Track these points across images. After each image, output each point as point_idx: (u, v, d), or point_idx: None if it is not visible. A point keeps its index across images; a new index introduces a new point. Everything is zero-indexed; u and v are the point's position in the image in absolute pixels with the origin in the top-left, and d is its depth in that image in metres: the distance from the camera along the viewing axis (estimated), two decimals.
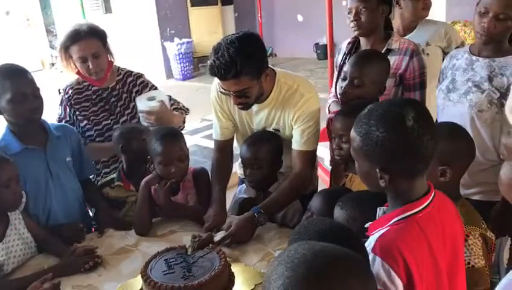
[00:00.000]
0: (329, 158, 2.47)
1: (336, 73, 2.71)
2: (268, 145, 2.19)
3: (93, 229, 2.36)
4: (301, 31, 10.72)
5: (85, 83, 2.60)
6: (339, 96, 2.19)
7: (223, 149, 2.36)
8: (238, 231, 1.97)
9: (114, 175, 2.42)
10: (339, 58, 2.67)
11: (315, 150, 2.24)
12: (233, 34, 1.95)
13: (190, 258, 1.72)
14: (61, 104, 2.60)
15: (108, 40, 2.59)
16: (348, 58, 2.55)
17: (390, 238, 1.18)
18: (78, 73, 2.56)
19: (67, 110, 2.58)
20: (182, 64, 9.98)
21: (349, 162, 1.97)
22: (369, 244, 1.20)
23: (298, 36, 10.78)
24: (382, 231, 1.21)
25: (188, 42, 10.03)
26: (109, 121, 2.59)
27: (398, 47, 2.40)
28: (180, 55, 9.92)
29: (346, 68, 2.17)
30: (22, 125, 2.11)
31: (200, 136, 6.32)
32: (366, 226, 1.30)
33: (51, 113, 2.53)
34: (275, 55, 11.46)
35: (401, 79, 2.36)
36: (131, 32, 10.03)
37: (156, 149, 2.16)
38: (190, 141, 6.11)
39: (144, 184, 2.20)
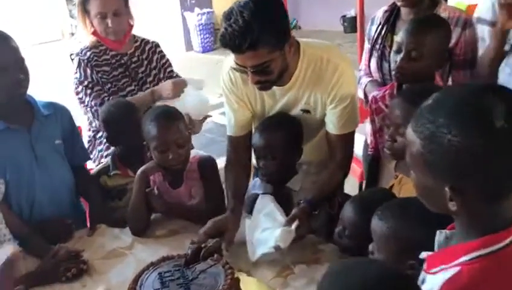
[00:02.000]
0: (370, 147, 2.09)
1: (367, 46, 2.32)
2: (285, 131, 1.83)
3: (88, 224, 2.04)
4: (328, 2, 10.23)
5: (102, 47, 2.33)
6: (392, 72, 1.83)
7: (240, 146, 1.95)
8: (302, 217, 1.62)
9: (109, 161, 2.10)
10: (372, 29, 2.28)
11: (355, 130, 1.88)
12: None
13: (189, 273, 1.41)
14: (79, 66, 2.30)
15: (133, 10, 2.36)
16: (385, 28, 2.17)
17: (464, 285, 0.83)
18: (94, 33, 2.29)
19: (88, 71, 2.28)
20: (202, 36, 9.58)
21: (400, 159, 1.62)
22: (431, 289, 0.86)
23: (324, 7, 10.29)
24: (451, 272, 0.86)
25: (208, 12, 9.61)
26: (133, 88, 2.34)
27: (448, 16, 2.01)
28: (201, 26, 9.52)
29: (400, 38, 1.80)
30: (3, 102, 1.80)
31: (218, 112, 5.94)
32: (421, 256, 0.95)
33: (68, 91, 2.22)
34: (299, 27, 11.00)
35: (450, 54, 1.98)
36: (149, 0, 9.67)
37: (150, 132, 1.83)
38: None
39: (140, 174, 1.88)
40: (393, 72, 1.82)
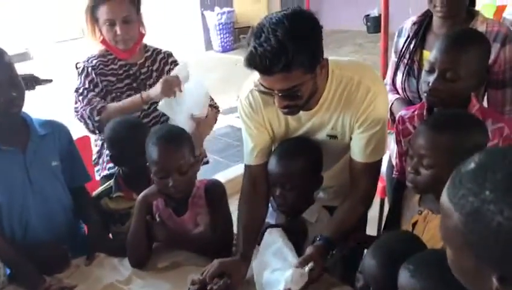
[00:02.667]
0: (395, 170, 1.89)
1: (393, 59, 2.13)
2: (306, 158, 1.65)
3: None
4: (351, 1, 9.99)
5: (110, 56, 2.19)
6: (423, 95, 1.62)
7: (258, 177, 1.74)
8: (317, 259, 1.44)
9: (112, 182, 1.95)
10: (399, 41, 2.08)
11: (382, 159, 1.70)
12: (280, 12, 1.43)
13: None
14: (81, 73, 2.17)
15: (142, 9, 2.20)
16: (414, 42, 1.97)
17: None
18: (103, 42, 2.16)
19: (89, 78, 2.14)
20: (221, 36, 9.43)
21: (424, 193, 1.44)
22: None
23: (347, 6, 10.06)
24: None
25: (229, 12, 9.46)
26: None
27: (485, 30, 1.81)
28: (220, 26, 9.37)
29: (432, 56, 1.57)
30: None
31: (235, 115, 5.79)
32: None
33: None
34: (321, 26, 10.80)
35: (487, 72, 1.77)
36: None
37: (151, 156, 1.68)
38: (224, 121, 5.63)
39: (140, 200, 1.72)
40: (424, 94, 1.60)
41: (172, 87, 2.05)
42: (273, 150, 1.76)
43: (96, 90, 2.14)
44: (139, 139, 1.79)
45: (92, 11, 2.12)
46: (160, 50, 2.31)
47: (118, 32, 2.08)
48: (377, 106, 1.58)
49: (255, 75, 1.62)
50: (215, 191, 1.79)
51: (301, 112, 1.60)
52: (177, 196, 1.70)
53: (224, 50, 9.57)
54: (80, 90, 2.14)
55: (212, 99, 2.30)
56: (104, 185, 1.97)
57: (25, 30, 9.35)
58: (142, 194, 1.73)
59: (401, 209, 1.72)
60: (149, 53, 2.27)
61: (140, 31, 2.21)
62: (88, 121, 2.09)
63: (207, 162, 2.46)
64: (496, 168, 0.67)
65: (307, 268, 1.40)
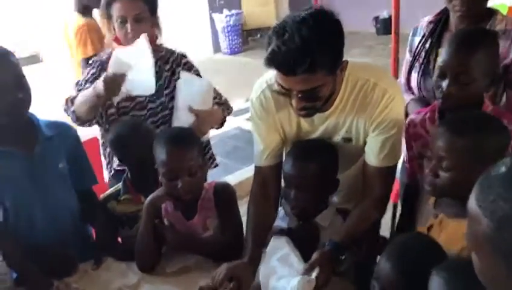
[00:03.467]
0: (406, 174, 1.86)
1: (407, 58, 2.09)
2: (323, 159, 1.60)
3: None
4: (360, 3, 9.93)
5: None
6: (438, 100, 1.58)
7: (268, 179, 1.71)
8: (323, 264, 1.40)
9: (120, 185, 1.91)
10: (414, 40, 2.04)
11: (397, 165, 1.65)
12: (303, 11, 1.38)
13: None
14: (89, 66, 2.14)
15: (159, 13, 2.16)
16: (429, 41, 1.93)
17: None
18: (115, 39, 2.11)
19: (95, 70, 2.11)
20: (230, 38, 9.41)
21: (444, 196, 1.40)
22: None
23: (357, 8, 9.99)
24: None
25: (237, 14, 9.44)
26: (143, 98, 2.12)
27: (505, 28, 1.77)
28: (229, 28, 9.35)
29: (441, 61, 1.53)
30: (1, 123, 1.64)
31: (244, 117, 5.76)
32: None
33: None
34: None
35: (505, 71, 1.73)
36: (177, 1, 9.55)
37: (159, 157, 1.65)
38: (232, 123, 5.59)
39: (148, 203, 1.68)
40: (439, 100, 1.55)
41: (116, 84, 1.93)
42: (284, 151, 1.72)
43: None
44: (142, 141, 1.78)
45: (107, 7, 2.09)
46: (174, 51, 2.26)
47: (129, 30, 2.04)
48: (393, 109, 1.54)
49: (267, 75, 1.59)
50: (225, 193, 1.75)
51: (315, 115, 1.56)
52: (186, 197, 1.66)
53: (232, 52, 9.55)
54: (79, 82, 2.12)
55: (220, 97, 2.26)
56: (112, 189, 1.94)
57: (36, 33, 9.38)
58: (150, 197, 1.69)
59: (415, 214, 1.68)
60: (163, 53, 2.21)
61: (155, 33, 2.15)
62: (67, 113, 2.08)
63: (216, 165, 2.43)
64: None
65: (313, 274, 1.37)
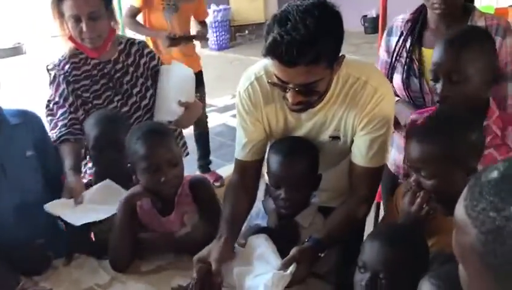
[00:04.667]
0: (403, 172, 1.85)
1: (385, 59, 2.01)
2: (309, 157, 1.58)
3: None
4: (349, 2, 9.94)
5: (82, 55, 2.02)
6: (436, 105, 1.53)
7: (248, 172, 1.67)
8: (301, 260, 1.35)
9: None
10: (391, 40, 1.97)
11: (383, 167, 1.62)
12: (304, 1, 1.33)
13: None
14: (52, 83, 2.01)
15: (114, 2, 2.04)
16: (409, 40, 1.88)
17: None
18: (70, 38, 1.97)
19: (63, 86, 1.99)
20: (217, 33, 9.34)
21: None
22: None
23: (345, 7, 9.96)
24: None
25: (225, 9, 9.37)
26: (115, 104, 2.03)
27: (485, 24, 1.74)
28: (216, 23, 9.27)
29: (432, 64, 1.48)
30: None
31: (230, 114, 5.71)
32: None
33: None
34: None
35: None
36: None
37: (137, 152, 1.59)
38: (219, 119, 5.55)
39: (124, 201, 1.62)
40: (437, 105, 1.51)
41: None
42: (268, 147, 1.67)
43: (67, 104, 1.98)
44: (120, 133, 1.72)
45: (58, 4, 1.93)
46: (134, 40, 2.14)
47: (84, 29, 1.90)
48: (382, 108, 1.50)
49: (255, 67, 1.56)
50: (201, 186, 1.70)
51: None
52: (169, 191, 1.62)
53: (220, 48, 9.48)
54: (50, 106, 2.00)
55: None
56: (87, 179, 1.89)
57: (19, 24, 9.23)
58: (126, 194, 1.63)
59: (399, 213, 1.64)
60: (122, 46, 2.09)
61: (112, 27, 2.03)
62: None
63: (187, 154, 2.41)
64: None
65: (288, 270, 1.31)
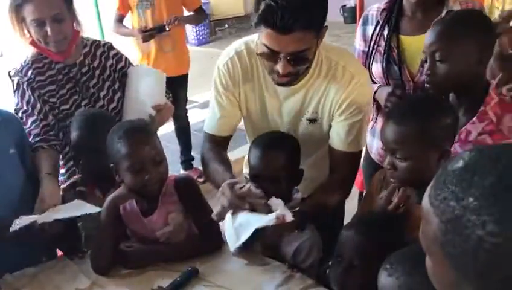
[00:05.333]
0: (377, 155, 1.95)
1: (362, 49, 2.00)
2: (288, 152, 1.57)
3: None
4: None
5: (45, 60, 1.95)
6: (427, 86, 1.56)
7: (221, 147, 1.71)
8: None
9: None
10: (367, 29, 1.97)
11: (361, 152, 1.68)
12: None
13: None
14: (17, 90, 1.95)
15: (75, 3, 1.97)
16: (387, 28, 1.88)
17: None
18: (32, 43, 1.91)
19: (26, 96, 1.93)
20: (197, 28, 9.26)
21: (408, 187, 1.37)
22: None
23: None
24: None
25: (204, 4, 9.23)
26: (83, 108, 1.98)
27: (460, 8, 1.75)
28: None
29: (423, 44, 1.51)
30: None
31: None
32: None
33: None
34: None
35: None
36: None
37: (120, 151, 1.55)
38: (200, 115, 5.49)
39: (108, 204, 1.60)
40: (427, 85, 1.54)
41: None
42: (247, 132, 1.73)
43: (36, 111, 1.93)
44: (102, 135, 1.67)
45: (17, 10, 1.86)
46: (99, 42, 2.09)
47: (49, 32, 1.85)
48: (360, 94, 1.54)
49: (236, 44, 1.59)
50: (187, 186, 1.67)
51: (281, 90, 1.55)
52: (153, 189, 1.59)
53: (200, 43, 9.41)
54: (19, 115, 1.94)
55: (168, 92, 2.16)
56: (74, 178, 1.87)
57: None
58: (110, 197, 1.61)
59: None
60: (87, 48, 2.03)
61: (75, 28, 1.97)
62: None
63: None
64: (485, 172, 0.56)
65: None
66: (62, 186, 1.87)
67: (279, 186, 1.54)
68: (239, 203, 1.38)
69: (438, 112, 1.32)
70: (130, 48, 3.64)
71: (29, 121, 1.92)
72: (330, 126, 1.61)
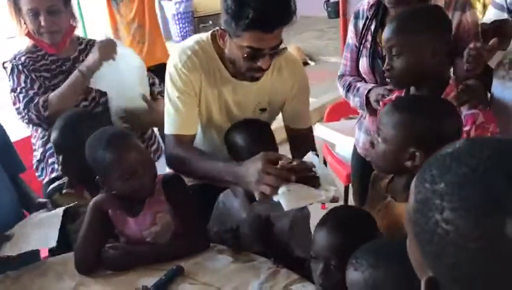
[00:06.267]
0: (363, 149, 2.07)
1: (354, 42, 2.00)
2: (267, 131, 1.69)
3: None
4: None
5: (39, 52, 2.00)
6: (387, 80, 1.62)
7: (191, 143, 1.69)
8: None
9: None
10: (358, 24, 1.97)
11: None
12: None
13: None
14: (12, 73, 1.97)
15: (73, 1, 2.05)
16: (374, 23, 1.89)
17: None
18: (28, 34, 1.96)
19: (22, 77, 1.95)
20: (180, 25, 9.23)
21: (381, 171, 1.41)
22: None
23: None
24: None
25: (187, 0, 9.25)
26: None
27: (445, 1, 1.76)
28: (179, 15, 9.16)
29: (383, 39, 1.56)
30: None
31: None
32: None
33: None
34: None
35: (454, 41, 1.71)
36: None
37: (105, 159, 1.51)
38: None
39: (93, 206, 1.57)
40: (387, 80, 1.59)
41: (110, 50, 1.94)
42: (203, 130, 1.76)
43: (35, 86, 1.95)
44: (92, 129, 1.65)
45: (15, 0, 1.93)
46: (95, 41, 2.10)
47: (42, 23, 1.90)
48: (305, 77, 1.76)
49: (189, 43, 1.64)
50: (174, 184, 1.65)
51: (236, 82, 1.64)
52: (146, 192, 1.57)
53: (184, 40, 9.38)
54: (18, 90, 1.95)
55: (160, 85, 2.16)
56: (60, 181, 1.85)
57: None
58: (95, 200, 1.58)
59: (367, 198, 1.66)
60: (82, 46, 2.09)
61: (71, 24, 2.04)
62: (37, 121, 1.93)
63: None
64: (463, 160, 0.57)
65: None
66: (49, 189, 1.85)
67: None
68: (287, 176, 1.30)
69: (434, 115, 1.30)
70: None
71: (30, 93, 1.92)
72: (275, 114, 1.78)
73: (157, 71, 2.90)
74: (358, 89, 1.94)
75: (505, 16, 1.88)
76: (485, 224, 0.52)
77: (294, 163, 1.32)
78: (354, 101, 1.96)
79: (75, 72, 1.92)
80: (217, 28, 1.55)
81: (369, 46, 1.90)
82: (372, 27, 1.90)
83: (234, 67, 1.58)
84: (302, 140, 1.78)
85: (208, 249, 1.60)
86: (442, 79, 1.55)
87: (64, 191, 1.78)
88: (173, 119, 1.67)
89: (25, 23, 1.95)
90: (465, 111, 1.47)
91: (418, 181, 0.61)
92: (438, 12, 1.57)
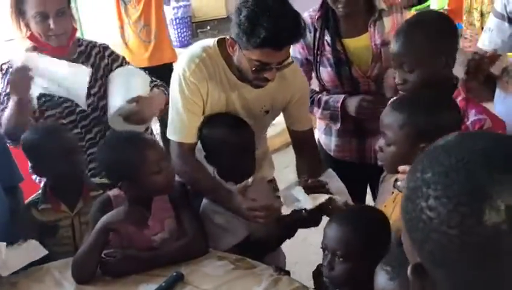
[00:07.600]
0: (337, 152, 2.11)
1: (304, 56, 2.00)
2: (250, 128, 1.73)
3: None
4: None
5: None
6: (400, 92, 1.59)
7: (191, 153, 1.72)
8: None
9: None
10: (307, 36, 1.92)
11: None
12: None
13: None
14: (4, 76, 1.94)
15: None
16: (327, 34, 1.90)
17: None
18: (30, 37, 1.90)
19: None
20: (178, 30, 9.19)
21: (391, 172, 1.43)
22: None
23: None
24: None
25: (185, 6, 9.20)
26: (69, 103, 1.97)
27: (390, 4, 1.87)
28: (177, 20, 9.10)
29: (391, 53, 1.54)
30: None
31: None
32: None
33: None
34: None
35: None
36: None
37: (133, 158, 1.53)
38: None
39: (101, 227, 1.52)
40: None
41: (21, 86, 1.78)
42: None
43: None
44: (57, 146, 1.69)
45: (18, 3, 1.86)
46: (95, 43, 2.09)
47: (52, 26, 1.84)
48: (306, 80, 1.84)
49: (196, 50, 1.65)
50: (178, 189, 1.66)
51: (243, 86, 1.67)
52: (172, 187, 1.61)
53: (182, 45, 9.31)
54: (1, 99, 1.92)
55: (156, 81, 2.13)
56: (33, 196, 1.82)
57: None
58: (105, 219, 1.53)
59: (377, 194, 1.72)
60: (82, 47, 2.04)
61: (73, 25, 2.00)
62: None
63: None
64: (452, 152, 0.57)
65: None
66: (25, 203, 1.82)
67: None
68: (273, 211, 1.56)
69: (437, 111, 1.33)
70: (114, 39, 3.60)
71: (6, 104, 1.88)
72: (276, 116, 1.84)
73: (163, 71, 2.91)
74: (326, 102, 1.96)
75: (506, 25, 1.90)
76: (464, 211, 0.53)
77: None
78: (323, 114, 1.98)
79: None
80: (227, 36, 1.58)
81: (330, 56, 1.91)
82: (327, 38, 1.90)
83: (241, 74, 1.62)
84: (304, 141, 1.85)
85: (207, 254, 1.60)
86: (451, 83, 1.54)
87: (40, 207, 1.75)
88: (175, 126, 1.70)
89: (26, 26, 1.89)
90: (472, 117, 1.46)
91: (411, 171, 0.62)
92: (444, 21, 1.55)
